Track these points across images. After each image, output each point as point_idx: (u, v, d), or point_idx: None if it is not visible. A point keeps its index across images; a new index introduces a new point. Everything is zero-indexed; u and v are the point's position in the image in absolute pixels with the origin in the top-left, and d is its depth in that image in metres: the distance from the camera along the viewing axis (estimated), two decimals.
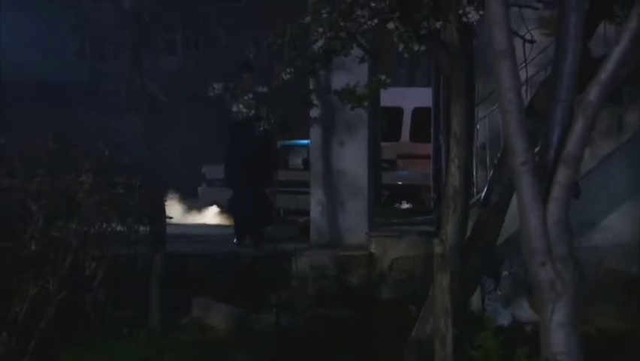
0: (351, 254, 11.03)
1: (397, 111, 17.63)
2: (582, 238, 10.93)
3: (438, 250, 5.28)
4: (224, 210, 17.85)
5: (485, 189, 7.99)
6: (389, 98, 14.07)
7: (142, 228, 8.62)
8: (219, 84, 7.17)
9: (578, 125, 4.62)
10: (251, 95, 6.99)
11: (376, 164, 13.79)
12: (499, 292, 10.77)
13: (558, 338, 4.47)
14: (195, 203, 18.86)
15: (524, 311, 10.50)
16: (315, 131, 12.05)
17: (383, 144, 16.20)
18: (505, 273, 10.90)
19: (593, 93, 4.64)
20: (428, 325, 7.65)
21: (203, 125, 22.20)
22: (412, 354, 7.69)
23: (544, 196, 4.59)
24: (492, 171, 8.24)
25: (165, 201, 9.98)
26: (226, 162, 12.53)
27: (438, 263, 5.07)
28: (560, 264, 4.50)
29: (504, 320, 10.51)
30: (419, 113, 17.08)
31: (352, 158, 11.82)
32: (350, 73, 9.56)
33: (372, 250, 11.00)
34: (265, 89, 7.01)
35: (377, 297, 10.70)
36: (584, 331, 9.82)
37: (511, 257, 10.87)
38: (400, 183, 17.18)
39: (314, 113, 11.94)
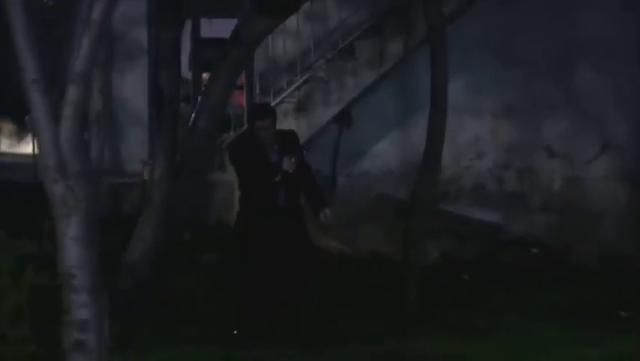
0: (125, 182, 11.17)
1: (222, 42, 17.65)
2: (353, 165, 11.42)
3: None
4: None
5: (193, 114, 8.33)
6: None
7: None
8: None
9: (85, 44, 4.75)
10: None
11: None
12: None
13: (72, 252, 4.68)
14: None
15: None
16: None
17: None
18: None
19: (96, 12, 4.76)
20: (139, 246, 8.01)
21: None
22: (125, 275, 8.00)
23: (56, 114, 4.73)
24: (199, 98, 8.55)
25: None
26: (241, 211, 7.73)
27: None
28: (72, 181, 4.69)
29: None
30: None
31: (132, 86, 11.91)
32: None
33: (146, 177, 11.14)
34: None
35: None
36: (341, 251, 10.39)
37: None
38: None
39: None
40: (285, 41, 11.12)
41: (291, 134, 7.86)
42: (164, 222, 8.17)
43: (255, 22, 8.04)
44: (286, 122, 10.88)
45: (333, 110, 10.90)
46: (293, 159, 7.40)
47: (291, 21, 10.99)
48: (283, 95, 10.86)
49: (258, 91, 11.66)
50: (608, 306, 8.54)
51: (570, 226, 11.05)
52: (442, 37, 8.25)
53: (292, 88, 10.87)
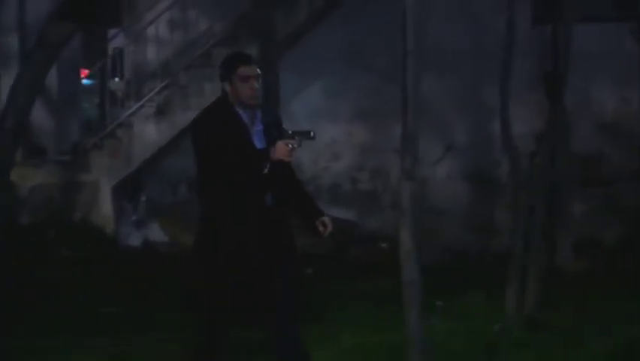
0: None
1: None
2: None
3: None
4: None
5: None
6: None
7: None
8: None
9: None
10: None
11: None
12: (134, 217, 11.67)
13: None
14: None
15: (155, 233, 11.45)
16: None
17: None
18: (143, 198, 11.82)
19: None
20: None
21: None
22: None
23: None
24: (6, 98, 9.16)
25: None
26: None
27: None
28: None
29: (135, 241, 11.45)
30: None
31: None
32: None
33: (12, 178, 11.52)
34: None
35: (17, 222, 11.33)
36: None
37: (148, 184, 11.82)
38: None
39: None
40: (147, 50, 11.68)
41: (275, 113, 5.52)
42: None
43: (58, 27, 8.72)
44: (147, 126, 11.48)
45: (192, 114, 11.42)
46: (290, 145, 5.19)
47: (153, 30, 11.59)
48: (144, 100, 11.41)
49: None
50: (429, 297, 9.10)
51: (418, 223, 11.69)
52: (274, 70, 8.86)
53: (152, 93, 11.42)
